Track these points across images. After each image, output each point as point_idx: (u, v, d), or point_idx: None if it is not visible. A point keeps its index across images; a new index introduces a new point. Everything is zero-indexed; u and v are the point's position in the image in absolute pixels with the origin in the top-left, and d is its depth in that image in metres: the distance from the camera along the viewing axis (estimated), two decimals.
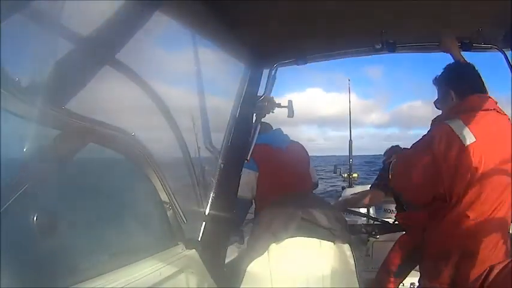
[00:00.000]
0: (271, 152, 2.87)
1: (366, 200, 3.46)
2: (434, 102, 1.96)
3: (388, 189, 3.28)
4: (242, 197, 2.67)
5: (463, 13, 1.84)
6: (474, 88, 1.79)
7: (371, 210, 3.97)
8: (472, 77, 1.82)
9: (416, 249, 3.17)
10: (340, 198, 5.02)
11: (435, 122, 1.92)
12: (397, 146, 3.76)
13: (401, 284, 3.43)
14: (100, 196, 1.39)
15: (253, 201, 2.93)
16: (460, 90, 1.80)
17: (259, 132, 2.65)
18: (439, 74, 1.92)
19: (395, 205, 3.50)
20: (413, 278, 3.50)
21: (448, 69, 1.92)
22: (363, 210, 4.19)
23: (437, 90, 1.93)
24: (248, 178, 2.72)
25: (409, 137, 35.38)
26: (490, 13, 1.82)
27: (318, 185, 3.38)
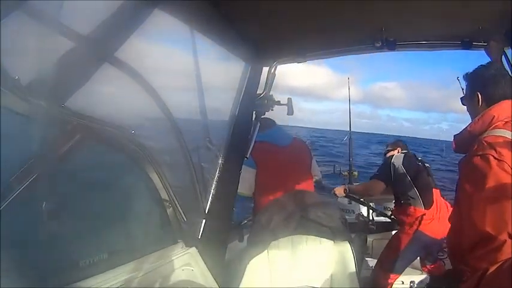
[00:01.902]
0: (271, 149, 2.87)
1: (367, 189, 3.49)
2: (461, 99, 1.90)
3: (388, 180, 3.30)
4: (240, 193, 2.67)
5: (463, 12, 1.83)
6: (503, 95, 1.71)
7: (370, 217, 4.00)
8: (503, 84, 1.73)
9: (411, 244, 3.20)
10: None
11: (462, 136, 1.79)
12: (400, 140, 3.77)
13: (401, 282, 3.45)
14: (100, 194, 1.39)
15: (252, 199, 2.94)
16: (488, 95, 1.73)
17: (261, 129, 2.65)
18: (471, 71, 1.84)
19: (394, 202, 3.52)
20: (412, 276, 3.53)
21: (480, 70, 1.83)
22: (363, 211, 4.21)
23: (466, 87, 1.86)
24: (246, 175, 2.72)
25: (378, 116, 34.31)
26: (490, 12, 1.82)
27: (321, 182, 3.39)
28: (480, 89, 1.75)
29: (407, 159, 3.36)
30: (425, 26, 2.10)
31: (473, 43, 2.18)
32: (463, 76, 1.87)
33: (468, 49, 2.19)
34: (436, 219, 3.19)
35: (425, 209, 3.20)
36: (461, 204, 1.66)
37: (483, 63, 1.83)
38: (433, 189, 3.32)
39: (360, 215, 3.91)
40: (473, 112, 1.81)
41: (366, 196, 3.75)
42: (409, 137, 43.01)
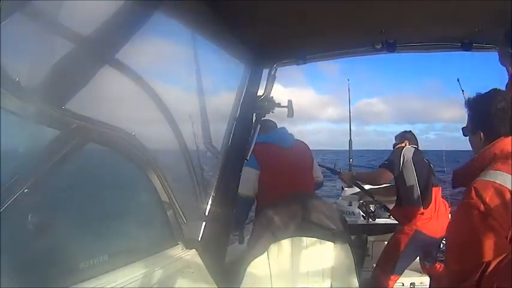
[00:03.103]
0: (274, 151, 2.86)
1: (375, 177, 3.46)
2: (462, 129, 1.72)
3: (396, 170, 3.27)
4: (243, 194, 2.66)
5: (463, 13, 1.84)
6: (508, 133, 1.52)
7: (372, 209, 3.98)
8: (508, 120, 1.52)
9: (410, 244, 3.19)
10: (342, 195, 5.03)
11: (461, 172, 1.65)
12: (408, 131, 3.73)
13: (401, 284, 3.45)
14: (100, 196, 1.39)
15: (255, 199, 2.93)
16: (491, 133, 1.55)
17: (263, 131, 2.65)
18: (472, 98, 1.64)
19: (395, 201, 3.50)
20: (413, 277, 3.52)
21: (483, 105, 1.60)
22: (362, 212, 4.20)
23: (468, 117, 1.67)
24: (249, 176, 2.71)
25: (366, 132, 33.25)
26: (490, 13, 1.82)
27: (323, 184, 3.37)
28: (482, 127, 1.58)
29: (417, 154, 3.33)
30: (426, 28, 2.10)
31: (473, 44, 2.18)
32: (465, 103, 1.69)
33: (468, 50, 2.20)
34: (434, 218, 3.19)
35: (423, 208, 3.19)
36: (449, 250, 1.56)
37: (485, 95, 1.62)
38: (433, 188, 3.30)
39: (363, 204, 3.86)
40: (474, 147, 1.66)
41: (372, 184, 3.70)
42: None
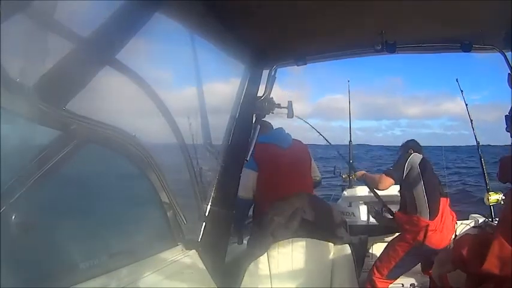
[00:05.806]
0: (272, 151, 2.85)
1: (375, 181, 3.41)
2: (505, 117, 1.51)
3: (399, 178, 3.22)
4: (242, 197, 2.65)
5: (464, 14, 1.84)
6: None
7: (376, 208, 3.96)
8: None
9: (410, 253, 3.14)
10: (341, 196, 5.02)
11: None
12: (412, 139, 3.65)
13: (401, 285, 3.44)
14: (100, 197, 1.39)
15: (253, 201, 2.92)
16: None
17: (263, 131, 2.64)
18: None
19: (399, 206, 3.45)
20: (413, 278, 3.52)
21: None
22: (363, 213, 4.19)
23: None
24: (247, 178, 2.71)
25: (331, 128, 32.28)
26: (490, 14, 1.82)
27: (321, 182, 3.35)
28: None
29: (424, 162, 3.26)
30: (426, 29, 2.10)
31: (473, 45, 2.18)
32: (508, 81, 1.50)
33: (468, 51, 2.20)
34: (438, 230, 3.09)
35: (429, 219, 3.10)
36: None
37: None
38: (441, 199, 3.23)
39: (371, 207, 3.84)
40: None
41: (372, 187, 3.64)
42: (363, 144, 44.88)
